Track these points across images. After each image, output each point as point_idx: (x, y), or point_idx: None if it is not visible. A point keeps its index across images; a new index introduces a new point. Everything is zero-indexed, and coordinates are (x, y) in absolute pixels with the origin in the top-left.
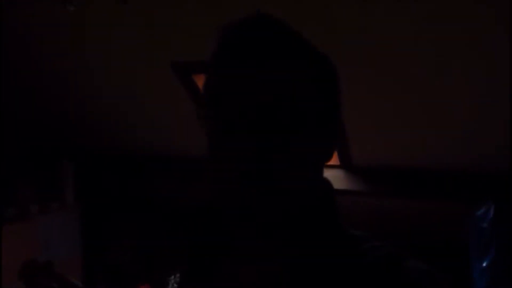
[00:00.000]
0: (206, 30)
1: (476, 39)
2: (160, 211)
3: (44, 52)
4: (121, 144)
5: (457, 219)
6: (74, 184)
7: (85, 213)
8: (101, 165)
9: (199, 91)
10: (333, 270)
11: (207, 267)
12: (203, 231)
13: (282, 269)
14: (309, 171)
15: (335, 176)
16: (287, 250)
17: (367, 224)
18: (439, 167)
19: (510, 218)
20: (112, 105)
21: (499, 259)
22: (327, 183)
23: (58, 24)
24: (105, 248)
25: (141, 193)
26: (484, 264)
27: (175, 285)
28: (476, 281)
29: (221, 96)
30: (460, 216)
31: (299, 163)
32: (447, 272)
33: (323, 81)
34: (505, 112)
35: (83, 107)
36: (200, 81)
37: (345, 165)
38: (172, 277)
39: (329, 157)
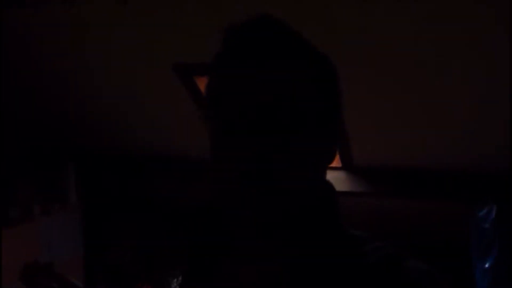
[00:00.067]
0: (206, 30)
1: (476, 39)
2: (160, 211)
3: (44, 52)
4: (121, 144)
5: (458, 219)
6: (76, 185)
7: (86, 213)
8: (101, 165)
9: (200, 93)
10: (333, 270)
11: (207, 267)
12: (203, 231)
13: (282, 269)
14: (309, 171)
15: (336, 178)
16: (287, 250)
17: (368, 224)
18: (439, 167)
19: (511, 219)
20: (112, 105)
21: (501, 259)
22: (329, 184)
23: (58, 24)
24: (105, 248)
25: (141, 193)
26: (487, 265)
27: (177, 287)
28: (478, 282)
29: (222, 96)
30: (461, 216)
31: (299, 163)
32: (448, 272)
33: (323, 81)
34: (505, 112)
35: (83, 107)
36: (202, 83)
37: (346, 166)
38: (175, 280)
39: (331, 158)
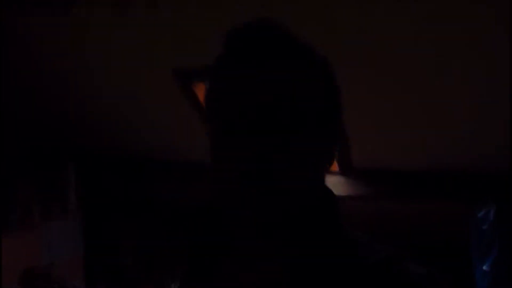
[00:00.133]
0: (207, 32)
1: (476, 39)
2: (160, 211)
3: (44, 52)
4: (121, 144)
5: (457, 220)
6: (76, 185)
7: (86, 214)
8: (101, 166)
9: (199, 99)
10: (333, 271)
11: (207, 267)
12: (203, 231)
13: (282, 269)
14: (309, 171)
15: (335, 183)
16: (287, 250)
17: (367, 225)
18: (439, 167)
19: (511, 219)
20: (112, 106)
21: (501, 260)
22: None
23: (58, 24)
24: (105, 249)
25: (141, 193)
26: (486, 265)
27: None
28: (478, 282)
29: (222, 96)
30: (460, 217)
31: (299, 163)
32: (448, 272)
33: (323, 82)
34: (505, 112)
35: (83, 107)
36: (200, 90)
37: (345, 168)
38: (175, 280)
39: (331, 158)
